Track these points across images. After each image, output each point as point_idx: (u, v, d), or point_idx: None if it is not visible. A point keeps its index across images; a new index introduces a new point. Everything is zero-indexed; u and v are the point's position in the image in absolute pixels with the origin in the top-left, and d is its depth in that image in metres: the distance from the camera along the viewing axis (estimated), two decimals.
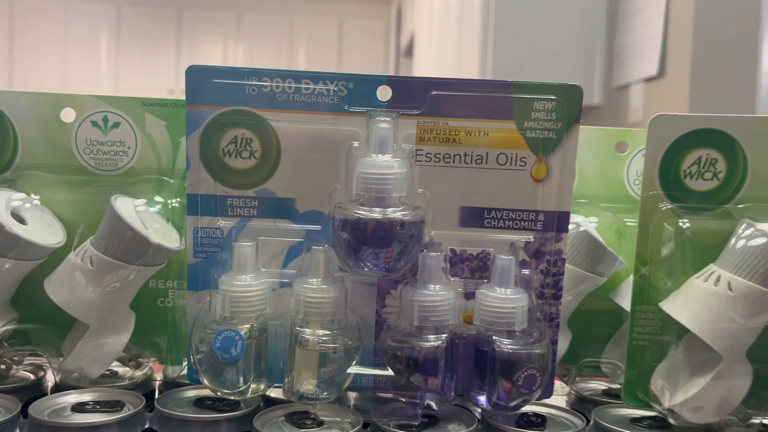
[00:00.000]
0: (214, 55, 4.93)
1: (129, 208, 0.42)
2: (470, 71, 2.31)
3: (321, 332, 0.40)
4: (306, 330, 0.40)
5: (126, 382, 0.45)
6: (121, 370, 0.47)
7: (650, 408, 0.43)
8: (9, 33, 4.65)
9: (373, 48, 4.92)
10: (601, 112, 2.06)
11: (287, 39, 4.96)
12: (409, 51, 4.20)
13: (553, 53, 2.06)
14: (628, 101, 1.90)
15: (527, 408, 0.42)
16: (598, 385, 0.50)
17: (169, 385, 0.46)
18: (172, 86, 4.80)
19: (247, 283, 0.40)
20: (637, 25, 1.86)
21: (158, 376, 0.47)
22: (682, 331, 0.41)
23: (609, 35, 2.04)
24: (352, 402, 0.45)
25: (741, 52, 1.62)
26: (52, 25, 4.74)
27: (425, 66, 3.46)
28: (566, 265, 0.43)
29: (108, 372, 0.46)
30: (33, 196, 0.44)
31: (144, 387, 0.45)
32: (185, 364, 0.46)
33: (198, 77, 0.41)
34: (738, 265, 0.38)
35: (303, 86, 0.42)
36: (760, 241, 0.38)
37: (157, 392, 0.46)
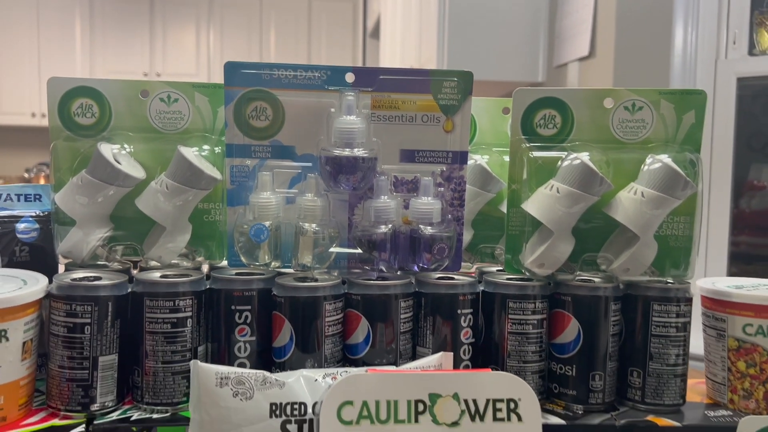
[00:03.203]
0: (186, 38, 5.07)
1: (189, 153, 0.66)
2: (429, 51, 2.55)
3: (314, 225, 0.64)
4: (305, 224, 0.64)
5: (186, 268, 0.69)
6: (181, 262, 0.71)
7: (521, 274, 0.68)
8: None
9: (341, 30, 5.12)
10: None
11: (258, 21, 5.13)
12: (376, 32, 4.42)
13: (502, 36, 2.31)
14: (566, 78, 2.16)
15: (442, 273, 0.68)
16: (494, 267, 0.75)
17: (215, 269, 0.70)
18: (146, 69, 4.95)
19: (267, 197, 0.65)
20: (572, 10, 2.12)
21: (206, 266, 0.71)
22: (537, 223, 0.66)
23: (551, 20, 2.29)
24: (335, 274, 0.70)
25: (657, 34, 1.89)
26: (26, 10, 4.84)
27: (390, 47, 3.69)
28: (467, 185, 0.68)
29: (173, 263, 0.70)
30: (125, 146, 0.67)
31: (198, 270, 0.70)
32: (225, 257, 0.70)
33: (233, 69, 0.65)
34: (563, 177, 0.64)
35: (298, 73, 0.66)
36: (576, 161, 0.64)
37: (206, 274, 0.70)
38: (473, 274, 0.75)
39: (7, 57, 4.82)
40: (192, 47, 5.10)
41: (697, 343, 0.70)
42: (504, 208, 0.72)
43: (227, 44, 5.12)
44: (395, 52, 3.51)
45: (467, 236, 0.73)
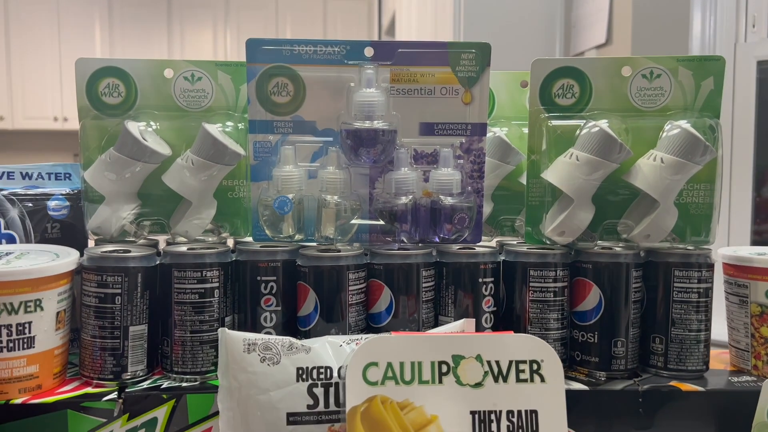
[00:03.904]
0: (204, 41, 5.13)
1: (213, 129, 0.67)
2: None
3: (336, 198, 0.65)
4: (327, 197, 0.65)
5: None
6: (207, 237, 0.72)
7: (542, 244, 0.69)
8: (5, 23, 4.82)
9: (356, 28, 5.14)
10: None
11: (274, 21, 5.16)
12: (391, 30, 4.43)
13: (518, 28, 2.31)
14: None
15: (462, 245, 0.68)
16: (514, 239, 0.76)
17: (240, 242, 0.71)
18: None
19: (290, 170, 0.66)
20: (589, 0, 2.11)
21: (230, 241, 0.73)
22: (557, 192, 0.67)
23: (567, 9, 2.29)
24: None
25: (674, 19, 1.87)
26: (46, 13, 4.92)
27: None
28: (486, 157, 0.69)
29: (199, 238, 0.72)
30: (151, 124, 0.69)
31: (224, 245, 0.71)
32: (249, 233, 0.71)
33: (254, 45, 0.67)
34: (583, 144, 0.64)
35: (318, 49, 0.67)
36: (594, 129, 0.64)
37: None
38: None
39: (29, 63, 4.90)
40: (209, 49, 5.15)
41: (721, 330, 0.70)
42: (524, 181, 0.73)
43: (244, 44, 5.15)
44: None
45: (487, 209, 0.73)
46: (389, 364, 0.52)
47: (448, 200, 0.65)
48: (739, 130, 1.86)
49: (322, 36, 5.15)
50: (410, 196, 0.66)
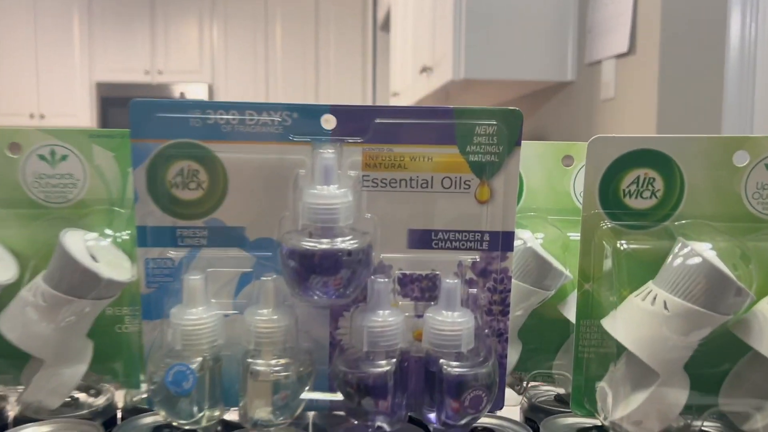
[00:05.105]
0: (189, 33, 4.85)
1: (79, 242, 0.42)
2: (444, 46, 2.30)
3: (273, 362, 0.40)
4: (258, 361, 0.40)
5: (87, 411, 0.46)
6: (82, 397, 0.47)
7: (595, 417, 0.44)
8: None
9: (350, 23, 4.86)
10: (574, 88, 2.06)
11: (263, 14, 4.88)
12: (386, 25, 4.16)
13: (526, 30, 2.05)
14: (600, 77, 1.90)
15: (477, 422, 0.44)
16: (550, 389, 0.51)
17: (131, 410, 0.46)
18: (147, 67, 4.73)
19: (198, 316, 0.41)
20: (608, 2, 1.86)
21: (120, 402, 0.48)
22: (623, 345, 0.42)
23: (581, 12, 2.03)
24: (310, 419, 0.46)
25: (709, 28, 1.62)
26: (22, 8, 4.64)
27: (401, 41, 3.43)
28: (514, 280, 0.44)
29: (70, 399, 0.47)
30: None
31: (106, 413, 0.46)
32: (144, 388, 0.47)
33: (142, 111, 0.41)
34: (674, 284, 0.39)
35: (247, 117, 0.42)
36: (695, 260, 0.39)
37: (119, 418, 0.47)
38: (521, 405, 0.51)
39: (3, 58, 4.64)
40: (195, 42, 4.88)
41: None
42: (567, 313, 0.48)
43: (231, 39, 4.89)
44: (407, 47, 3.26)
45: (512, 355, 0.48)
46: None
47: (454, 368, 0.40)
48: None
49: (314, 30, 4.88)
50: (392, 359, 0.41)
